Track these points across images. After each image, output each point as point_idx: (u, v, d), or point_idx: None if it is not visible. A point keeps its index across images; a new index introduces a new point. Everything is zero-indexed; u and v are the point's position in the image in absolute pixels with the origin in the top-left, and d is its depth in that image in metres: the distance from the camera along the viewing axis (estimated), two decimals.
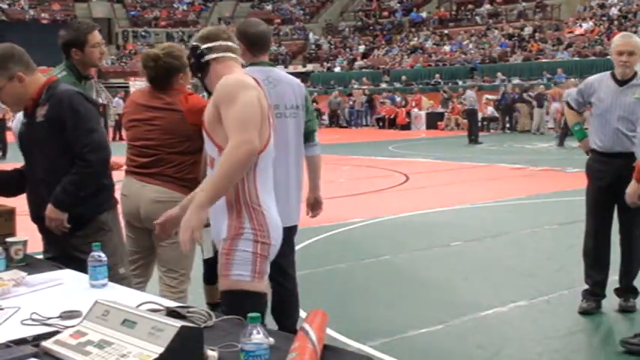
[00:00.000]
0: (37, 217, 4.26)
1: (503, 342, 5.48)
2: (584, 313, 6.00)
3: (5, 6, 56.00)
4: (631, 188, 5.29)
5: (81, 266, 3.58)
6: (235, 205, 3.39)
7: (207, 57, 3.58)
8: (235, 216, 3.40)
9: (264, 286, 3.45)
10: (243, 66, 4.67)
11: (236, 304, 3.23)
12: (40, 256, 4.30)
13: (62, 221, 4.11)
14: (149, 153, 4.76)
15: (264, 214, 3.40)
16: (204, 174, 3.92)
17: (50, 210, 4.10)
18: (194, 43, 3.63)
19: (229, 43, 3.65)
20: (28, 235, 4.09)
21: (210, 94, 3.66)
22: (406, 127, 35.80)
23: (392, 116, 36.91)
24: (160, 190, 4.70)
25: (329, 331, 4.34)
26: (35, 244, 4.21)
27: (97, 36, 5.12)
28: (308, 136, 5.01)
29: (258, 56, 4.82)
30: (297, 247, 5.19)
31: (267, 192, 3.47)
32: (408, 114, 36.60)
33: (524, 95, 31.44)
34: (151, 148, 4.75)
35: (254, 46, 4.82)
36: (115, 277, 3.57)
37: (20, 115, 4.46)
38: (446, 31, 47.65)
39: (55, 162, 4.11)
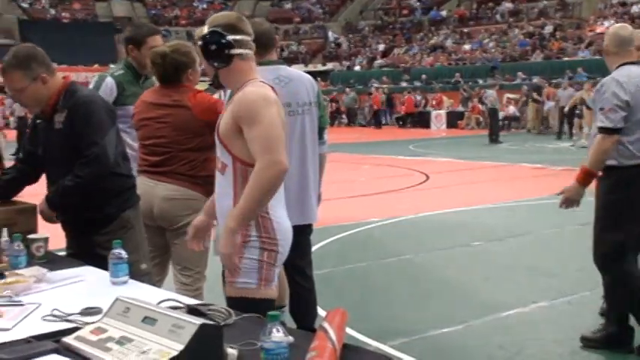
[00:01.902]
0: (61, 217, 4.32)
1: (524, 342, 5.45)
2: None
3: (26, 5, 56.30)
4: (574, 189, 5.09)
5: (103, 263, 3.60)
6: None
7: (234, 51, 3.40)
8: None
9: (271, 292, 3.39)
10: None
11: (242, 312, 3.22)
12: (62, 253, 4.32)
13: (53, 216, 4.20)
14: (160, 151, 4.76)
15: (271, 221, 3.34)
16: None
17: (42, 204, 4.19)
18: (217, 29, 3.39)
19: (251, 39, 3.50)
20: (49, 232, 4.11)
21: (218, 85, 3.63)
22: (422, 120, 35.88)
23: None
24: (173, 187, 4.70)
25: (348, 331, 4.34)
26: (57, 241, 4.22)
27: (156, 41, 5.20)
28: (318, 133, 5.00)
29: (264, 55, 4.80)
30: (317, 246, 5.19)
31: (278, 199, 3.39)
32: (426, 112, 36.60)
33: (534, 95, 31.31)
34: (162, 146, 4.75)
35: (261, 46, 4.79)
36: (137, 273, 3.58)
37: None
38: (466, 30, 47.45)
39: (72, 169, 4.11)
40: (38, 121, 4.31)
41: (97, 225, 4.18)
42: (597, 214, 5.16)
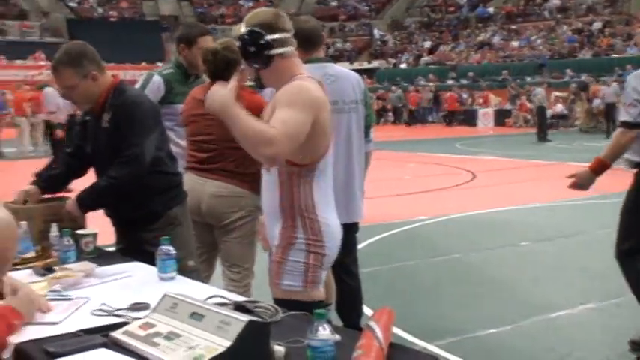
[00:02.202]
0: (110, 213, 4.38)
1: (573, 344, 5.39)
2: None
3: (74, 4, 56.97)
4: (585, 175, 5.24)
5: (151, 259, 3.63)
6: (289, 213, 3.27)
7: (274, 52, 3.25)
8: (288, 224, 3.28)
9: (317, 293, 3.31)
10: None
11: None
12: (111, 249, 4.37)
13: (76, 217, 4.17)
14: (208, 148, 4.77)
15: (319, 223, 3.26)
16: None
17: (71, 204, 4.17)
18: (255, 29, 3.24)
19: (291, 35, 3.35)
20: (98, 227, 4.15)
21: (261, 86, 3.59)
22: (469, 119, 35.68)
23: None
24: (221, 185, 4.72)
25: (395, 329, 4.32)
26: (105, 237, 4.26)
27: (207, 41, 5.23)
28: (364, 131, 4.99)
29: (311, 53, 4.79)
30: (364, 244, 5.18)
31: (326, 200, 3.33)
32: (473, 110, 36.39)
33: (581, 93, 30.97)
34: (210, 143, 4.77)
35: (307, 43, 4.78)
36: (184, 270, 3.60)
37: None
38: (513, 27, 47.03)
39: None
40: (87, 117, 4.35)
41: (143, 222, 4.23)
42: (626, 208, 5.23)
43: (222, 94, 3.11)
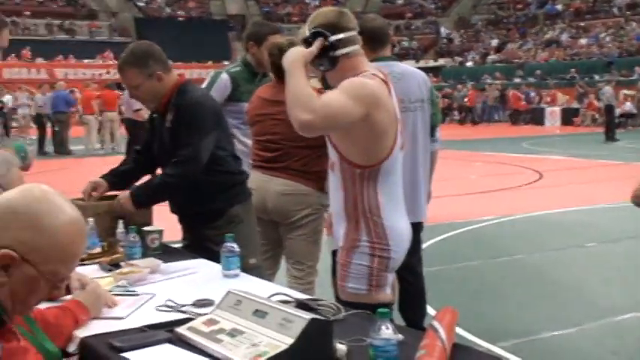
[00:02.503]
0: (174, 210, 4.43)
1: (639, 348, 5.29)
2: None
3: (142, 4, 57.73)
4: None
5: (212, 256, 3.69)
6: (353, 215, 3.23)
7: (339, 52, 3.20)
8: (353, 226, 3.23)
9: (384, 296, 3.26)
10: None
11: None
12: (176, 245, 4.42)
13: (129, 211, 4.17)
14: (274, 147, 4.79)
15: (384, 226, 3.19)
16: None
17: (125, 198, 4.18)
18: (319, 30, 3.20)
19: (356, 33, 3.28)
20: (164, 224, 4.20)
21: (327, 86, 3.58)
22: (536, 117, 35.26)
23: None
24: (287, 182, 4.74)
25: (458, 330, 4.29)
26: (171, 234, 4.31)
27: (278, 39, 5.24)
28: (430, 131, 4.95)
29: (378, 51, 4.77)
30: (428, 244, 5.15)
31: (393, 202, 3.25)
32: (540, 109, 35.96)
33: None
34: (276, 142, 4.79)
35: (373, 42, 4.77)
36: (245, 268, 3.63)
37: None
38: (582, 24, 46.32)
39: None
40: (154, 115, 4.40)
41: (205, 219, 4.26)
42: None
43: (298, 51, 3.18)
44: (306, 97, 3.04)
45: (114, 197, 4.50)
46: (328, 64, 3.25)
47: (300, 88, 3.07)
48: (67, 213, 1.90)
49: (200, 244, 4.23)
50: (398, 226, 3.26)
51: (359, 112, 3.07)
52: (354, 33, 3.27)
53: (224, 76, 5.37)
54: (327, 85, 3.55)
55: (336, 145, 3.25)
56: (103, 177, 4.44)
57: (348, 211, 3.24)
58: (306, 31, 3.28)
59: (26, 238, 1.82)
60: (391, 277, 3.33)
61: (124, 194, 4.22)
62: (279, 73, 4.85)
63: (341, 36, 3.20)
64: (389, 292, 3.31)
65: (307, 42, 3.24)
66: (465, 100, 38.28)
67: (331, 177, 3.36)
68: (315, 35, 3.21)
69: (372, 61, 4.75)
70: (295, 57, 3.16)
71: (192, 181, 4.10)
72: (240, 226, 4.25)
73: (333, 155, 3.31)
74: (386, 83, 3.28)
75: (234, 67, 5.43)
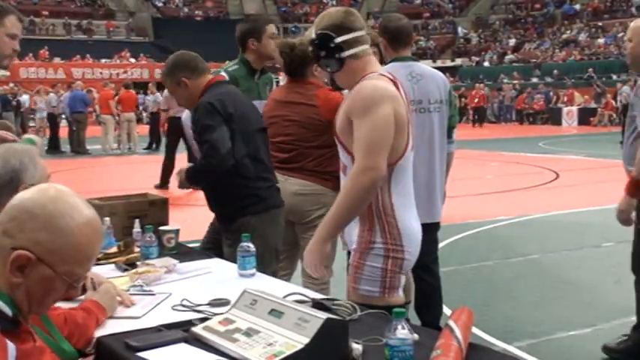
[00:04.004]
0: (211, 208, 4.54)
1: None
2: None
3: (160, 4, 57.90)
4: (623, 203, 4.75)
5: (221, 256, 3.91)
6: (367, 216, 3.21)
7: (345, 54, 3.20)
8: (367, 227, 3.22)
9: (396, 299, 3.23)
10: (383, 62, 4.58)
11: None
12: (191, 245, 4.44)
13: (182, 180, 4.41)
14: (288, 148, 4.82)
15: (398, 227, 3.19)
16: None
17: (182, 172, 4.42)
18: (326, 32, 3.21)
19: (364, 33, 3.27)
20: (180, 224, 4.21)
21: (336, 87, 3.58)
22: (553, 117, 35.06)
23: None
24: (302, 183, 4.76)
25: (474, 330, 4.29)
26: (187, 233, 4.32)
27: (273, 28, 5.31)
28: (447, 132, 4.95)
29: (399, 51, 4.80)
30: (443, 243, 5.14)
31: (405, 202, 3.26)
32: (557, 109, 35.80)
33: None
34: (290, 144, 4.82)
35: (396, 41, 4.80)
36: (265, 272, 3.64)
37: (188, 112, 4.79)
38: (600, 24, 46.09)
39: None
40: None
41: (223, 221, 4.40)
42: None
43: (310, 249, 3.24)
44: (349, 192, 3.11)
45: (130, 197, 4.53)
46: (335, 65, 3.24)
47: (341, 207, 3.15)
48: (83, 213, 1.90)
49: (219, 242, 4.39)
50: (411, 226, 3.25)
51: (391, 111, 3.11)
52: (361, 33, 3.25)
53: (223, 74, 5.39)
54: (335, 86, 3.55)
55: (348, 146, 3.23)
56: None
57: (361, 214, 3.22)
58: (312, 33, 3.28)
59: (42, 239, 1.82)
60: (403, 280, 3.31)
61: (180, 171, 4.46)
62: (291, 71, 4.89)
63: (346, 37, 3.20)
64: (401, 294, 3.29)
65: (314, 44, 3.24)
66: (476, 100, 37.65)
67: (343, 180, 3.33)
68: (320, 37, 3.21)
69: (392, 60, 4.78)
70: (313, 251, 3.23)
71: (221, 171, 4.20)
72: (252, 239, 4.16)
73: (344, 158, 3.30)
74: (395, 84, 3.27)
75: (233, 65, 5.41)
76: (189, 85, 4.33)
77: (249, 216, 4.27)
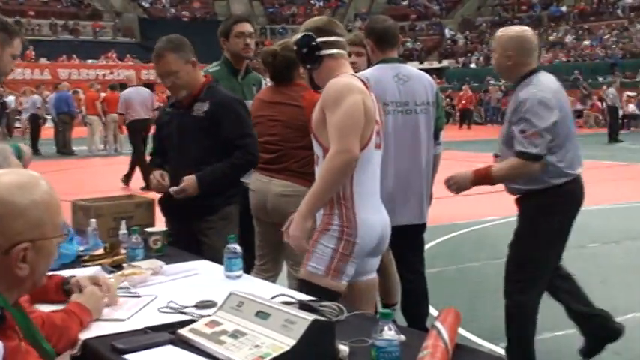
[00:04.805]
0: (165, 202, 4.54)
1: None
2: None
3: (147, 4, 57.76)
4: (467, 178, 4.73)
5: (199, 247, 4.08)
6: (329, 201, 3.43)
7: (324, 52, 3.56)
8: (327, 211, 3.45)
9: (338, 285, 3.40)
10: (370, 64, 4.71)
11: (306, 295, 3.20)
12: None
13: (190, 195, 4.32)
14: (272, 149, 4.82)
15: (355, 215, 3.40)
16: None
17: (192, 183, 4.30)
18: (308, 33, 3.57)
19: (343, 39, 3.64)
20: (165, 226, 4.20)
21: (314, 86, 3.72)
22: None
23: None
24: (286, 184, 4.76)
25: (460, 331, 4.28)
26: None
27: (243, 27, 5.33)
28: (434, 134, 4.96)
29: (386, 52, 4.81)
30: (430, 244, 5.15)
31: (366, 193, 3.46)
32: None
33: None
34: (274, 144, 4.82)
35: (382, 43, 4.81)
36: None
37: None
38: (586, 26, 46.23)
39: (206, 155, 4.36)
40: (168, 109, 4.61)
41: (201, 213, 4.39)
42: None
43: (293, 227, 3.46)
44: (326, 171, 3.34)
45: (117, 198, 4.51)
46: (313, 62, 3.58)
47: (319, 186, 3.40)
48: (31, 183, 1.99)
49: (188, 236, 4.36)
50: (368, 217, 3.44)
51: (360, 99, 3.38)
52: (339, 39, 3.61)
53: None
54: (313, 84, 3.73)
55: (321, 139, 3.48)
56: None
57: None
58: (298, 35, 3.62)
59: (20, 226, 1.92)
60: (350, 269, 3.43)
61: (189, 180, 4.30)
62: (276, 76, 4.90)
63: (325, 39, 3.55)
64: (344, 282, 3.43)
65: (297, 43, 3.59)
66: (463, 101, 37.62)
67: (316, 171, 3.56)
68: (303, 37, 3.56)
69: (379, 62, 4.79)
70: (295, 230, 3.44)
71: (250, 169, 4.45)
72: (230, 226, 4.32)
73: (317, 150, 3.54)
74: (366, 86, 3.53)
75: (214, 66, 5.42)
76: (196, 68, 4.41)
77: (232, 205, 4.50)
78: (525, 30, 4.62)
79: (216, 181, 4.34)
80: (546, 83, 4.39)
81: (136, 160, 14.67)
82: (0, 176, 1.99)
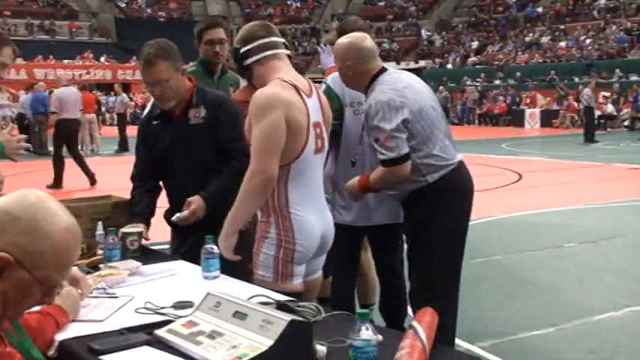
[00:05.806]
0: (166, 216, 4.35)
1: (616, 348, 5.32)
2: None
3: (123, 4, 57.55)
4: (355, 186, 4.37)
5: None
6: (265, 209, 3.48)
7: (249, 61, 3.57)
8: (264, 219, 3.50)
9: (291, 286, 3.43)
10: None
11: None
12: (156, 247, 4.39)
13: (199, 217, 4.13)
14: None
15: (291, 221, 3.43)
16: None
17: (200, 205, 4.10)
18: (236, 46, 3.62)
19: (267, 40, 3.57)
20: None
21: None
22: (516, 119, 35.30)
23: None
24: None
25: None
26: (151, 235, 4.26)
27: (213, 34, 5.27)
28: None
29: None
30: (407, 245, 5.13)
31: (303, 198, 3.46)
32: (520, 111, 36.09)
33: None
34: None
35: None
36: (242, 272, 3.63)
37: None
38: (562, 26, 46.47)
39: (213, 160, 4.24)
40: (155, 122, 4.37)
41: (212, 223, 3.97)
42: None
43: (221, 243, 3.48)
44: (243, 190, 3.38)
45: (94, 199, 4.48)
46: (247, 73, 3.64)
47: (238, 203, 3.42)
48: (63, 219, 1.88)
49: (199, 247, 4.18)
50: (305, 221, 3.45)
51: (281, 115, 3.34)
52: (263, 41, 3.57)
53: None
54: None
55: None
56: (145, 220, 4.27)
57: (261, 207, 3.48)
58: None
59: (22, 242, 1.80)
60: (299, 270, 3.48)
61: (195, 202, 4.11)
62: (244, 75, 4.89)
63: (250, 46, 3.56)
64: (297, 283, 3.48)
65: (235, 52, 3.63)
66: (449, 103, 37.88)
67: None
68: (234, 51, 3.65)
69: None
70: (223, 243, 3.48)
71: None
72: (245, 232, 4.18)
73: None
74: (297, 89, 3.46)
75: (191, 67, 5.39)
76: (184, 75, 4.25)
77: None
78: (357, 36, 4.32)
79: (221, 196, 4.08)
80: (389, 84, 4.22)
81: (56, 160, 15.02)
82: (47, 198, 1.91)
